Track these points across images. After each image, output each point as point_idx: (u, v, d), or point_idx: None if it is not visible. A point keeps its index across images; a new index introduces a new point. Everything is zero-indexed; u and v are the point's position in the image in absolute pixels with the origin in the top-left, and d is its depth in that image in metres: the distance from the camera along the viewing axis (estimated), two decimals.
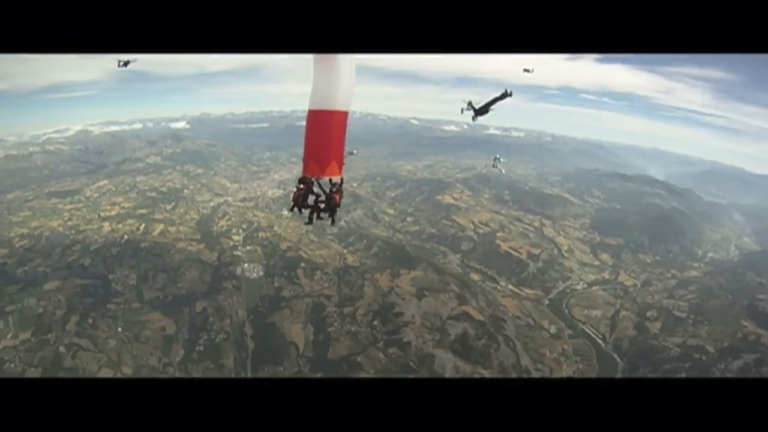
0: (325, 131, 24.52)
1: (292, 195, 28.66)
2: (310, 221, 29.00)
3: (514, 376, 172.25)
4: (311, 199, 28.40)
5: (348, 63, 23.57)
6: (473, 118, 43.75)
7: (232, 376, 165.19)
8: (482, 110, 42.83)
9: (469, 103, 42.45)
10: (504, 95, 42.25)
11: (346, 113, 24.56)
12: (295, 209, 28.69)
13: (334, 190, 27.83)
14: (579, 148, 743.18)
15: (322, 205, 28.20)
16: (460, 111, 45.64)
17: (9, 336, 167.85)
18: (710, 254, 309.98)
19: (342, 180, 27.52)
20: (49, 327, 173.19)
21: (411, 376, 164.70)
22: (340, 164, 25.37)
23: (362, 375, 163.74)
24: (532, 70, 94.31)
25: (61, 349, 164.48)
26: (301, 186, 28.12)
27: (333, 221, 28.87)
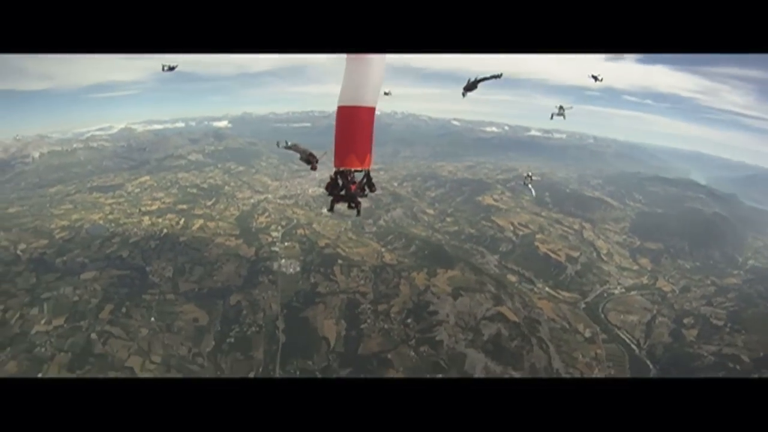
0: (353, 126, 25.54)
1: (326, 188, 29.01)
2: (331, 209, 30.38)
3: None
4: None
5: (379, 61, 24.45)
6: (463, 94, 43.62)
7: (260, 368, 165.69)
8: (471, 86, 42.78)
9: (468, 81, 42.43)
10: (495, 77, 42.19)
11: (373, 109, 25.58)
12: (330, 200, 29.44)
13: (355, 180, 28.19)
14: (621, 151, 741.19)
15: (343, 193, 28.46)
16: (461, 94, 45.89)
17: (42, 321, 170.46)
18: (751, 261, 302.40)
19: (368, 172, 28.27)
20: (82, 314, 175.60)
21: (440, 375, 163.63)
22: (366, 157, 26.40)
23: (391, 372, 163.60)
24: (601, 78, 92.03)
25: (93, 335, 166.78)
26: (332, 178, 28.44)
27: (357, 212, 29.59)
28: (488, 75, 42.53)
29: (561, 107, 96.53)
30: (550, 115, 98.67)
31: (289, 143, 33.12)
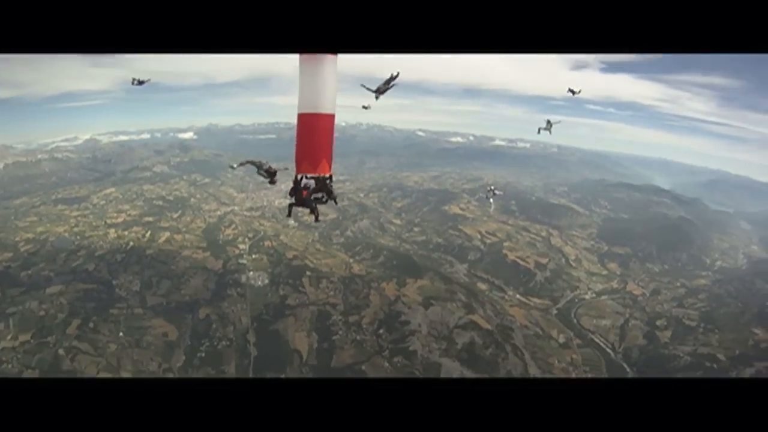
0: (314, 133, 26.50)
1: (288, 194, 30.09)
2: (289, 213, 32.34)
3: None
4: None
5: (331, 66, 25.37)
6: (376, 97, 43.28)
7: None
8: (383, 90, 42.49)
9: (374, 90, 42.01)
10: (392, 77, 41.98)
11: (331, 116, 26.49)
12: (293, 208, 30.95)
13: (307, 187, 29.19)
14: (585, 159, 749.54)
15: (313, 201, 29.86)
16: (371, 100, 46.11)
17: (8, 337, 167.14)
18: (719, 263, 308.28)
19: (325, 179, 29.13)
20: (49, 330, 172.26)
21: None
22: (320, 163, 27.15)
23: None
24: (579, 91, 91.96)
25: (61, 351, 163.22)
26: (294, 184, 29.30)
27: (315, 218, 31.12)
28: (389, 77, 42.39)
29: (549, 122, 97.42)
30: (537, 130, 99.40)
31: (242, 162, 36.53)
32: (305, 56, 25.22)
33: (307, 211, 29.00)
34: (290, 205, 30.56)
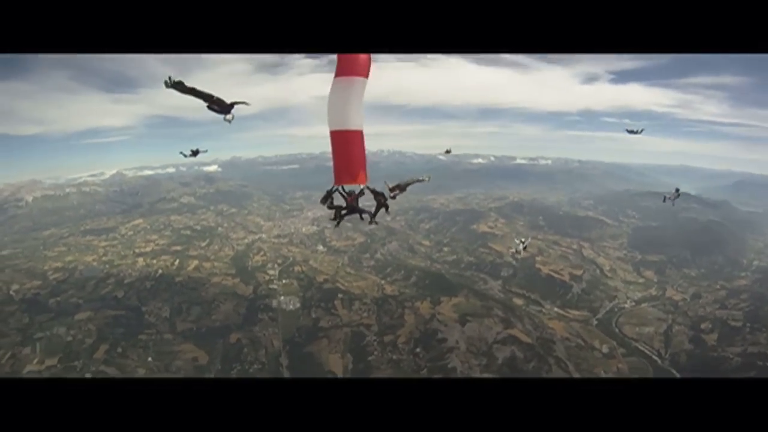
0: (342, 147, 27.86)
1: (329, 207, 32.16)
2: (336, 221, 32.98)
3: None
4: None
5: (360, 87, 26.62)
6: (393, 196, 38.81)
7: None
8: (402, 188, 39.19)
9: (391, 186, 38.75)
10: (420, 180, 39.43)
11: (359, 132, 27.81)
12: (335, 217, 32.73)
13: (357, 194, 31.80)
14: (608, 171, 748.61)
15: (344, 211, 32.15)
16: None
17: (35, 361, 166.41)
18: (756, 262, 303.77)
19: (367, 186, 31.91)
20: (77, 354, 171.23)
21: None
22: (359, 174, 28.65)
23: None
24: (640, 131, 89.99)
25: (87, 375, 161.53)
26: (352, 197, 31.87)
27: (372, 219, 33.88)
28: (417, 179, 40.34)
29: (677, 191, 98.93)
30: (662, 199, 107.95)
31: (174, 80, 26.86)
32: (338, 78, 26.38)
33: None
34: (339, 215, 32.28)
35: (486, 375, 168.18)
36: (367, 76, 26.56)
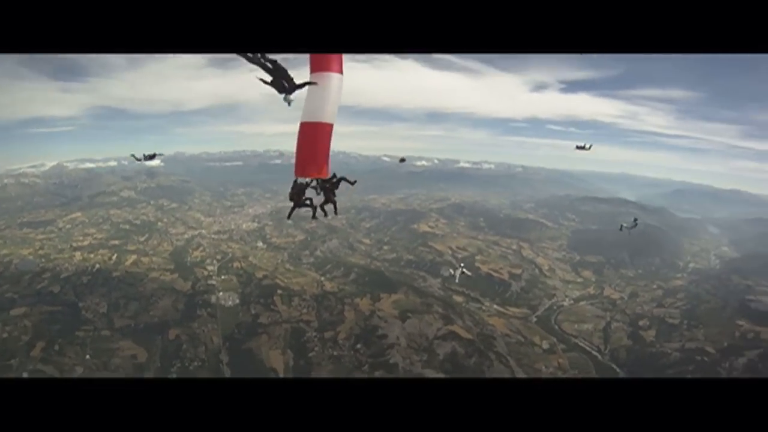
0: (318, 139, 26.92)
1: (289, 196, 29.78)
2: (289, 216, 31.81)
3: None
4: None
5: (337, 83, 26.30)
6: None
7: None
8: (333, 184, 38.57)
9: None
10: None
11: (331, 125, 27.10)
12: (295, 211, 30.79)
13: (327, 186, 29.97)
14: (550, 177, 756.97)
15: (308, 202, 30.29)
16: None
17: None
18: (692, 264, 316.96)
19: (332, 178, 29.99)
20: (12, 353, 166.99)
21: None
22: (324, 167, 27.70)
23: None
24: (589, 147, 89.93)
25: (24, 375, 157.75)
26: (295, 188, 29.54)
27: (335, 211, 31.86)
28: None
29: (635, 221, 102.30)
30: (619, 227, 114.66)
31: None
32: (316, 73, 26.24)
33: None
34: (293, 208, 30.19)
35: (427, 371, 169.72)
36: (342, 71, 26.59)
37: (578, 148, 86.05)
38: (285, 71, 27.69)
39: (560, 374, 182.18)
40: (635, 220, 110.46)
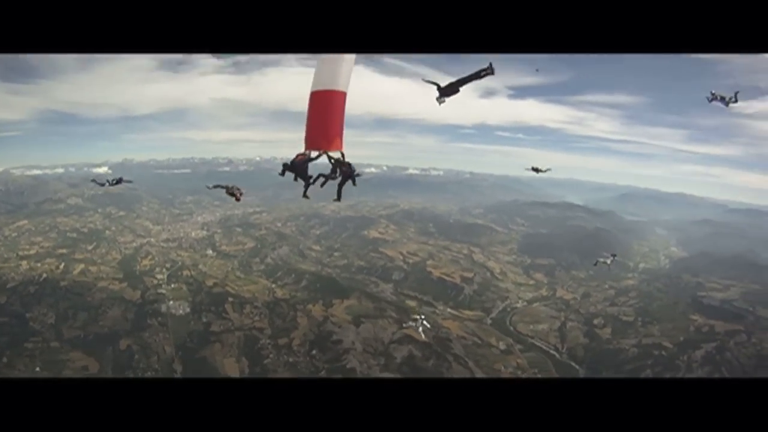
0: (329, 110, 26.41)
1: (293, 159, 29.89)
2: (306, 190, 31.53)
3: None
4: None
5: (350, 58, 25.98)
6: (439, 101, 36.39)
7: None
8: (452, 89, 35.13)
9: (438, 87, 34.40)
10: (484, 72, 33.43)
11: (345, 94, 26.46)
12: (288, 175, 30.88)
13: (342, 161, 29.34)
14: (497, 183, 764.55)
15: (321, 179, 30.71)
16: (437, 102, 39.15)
17: None
18: (642, 265, 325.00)
19: (343, 154, 29.01)
20: None
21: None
22: (336, 140, 27.37)
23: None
24: (546, 170, 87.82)
25: None
26: (303, 156, 29.44)
27: (354, 183, 31.01)
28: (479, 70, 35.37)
29: (614, 256, 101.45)
30: (595, 262, 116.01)
31: (213, 186, 40.63)
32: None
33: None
34: (286, 167, 30.39)
35: (386, 374, 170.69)
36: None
37: (533, 170, 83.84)
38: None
39: (520, 373, 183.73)
40: (614, 255, 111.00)
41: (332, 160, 29.17)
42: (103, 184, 69.12)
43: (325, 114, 26.42)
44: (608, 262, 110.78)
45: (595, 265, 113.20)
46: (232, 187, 39.50)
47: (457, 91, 34.54)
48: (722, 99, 48.88)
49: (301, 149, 28.58)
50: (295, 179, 30.44)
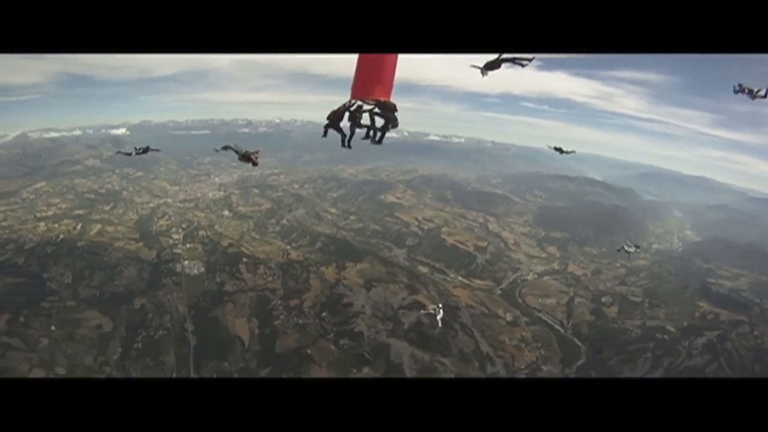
0: (383, 57, 25.10)
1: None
2: (347, 143, 30.20)
3: (476, 364, 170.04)
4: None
5: None
6: (483, 73, 38.39)
7: (174, 374, 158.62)
8: (495, 64, 37.70)
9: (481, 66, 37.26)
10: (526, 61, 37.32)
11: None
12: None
13: (388, 104, 27.19)
14: (519, 153, 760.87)
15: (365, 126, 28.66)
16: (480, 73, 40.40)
17: None
18: (655, 246, 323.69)
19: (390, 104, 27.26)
20: None
21: (366, 369, 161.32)
22: (391, 89, 26.21)
23: (314, 367, 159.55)
24: (570, 152, 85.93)
25: None
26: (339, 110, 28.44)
27: (381, 137, 29.21)
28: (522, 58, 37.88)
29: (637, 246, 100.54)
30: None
31: (221, 147, 38.46)
32: None
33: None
34: (327, 127, 29.56)
35: (392, 339, 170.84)
36: None
37: (556, 149, 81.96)
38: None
39: (524, 346, 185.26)
40: (638, 246, 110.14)
41: (375, 108, 27.56)
42: (129, 154, 70.20)
43: (378, 61, 25.47)
44: (631, 251, 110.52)
45: (619, 251, 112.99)
46: (246, 152, 38.06)
47: (499, 66, 36.27)
48: (750, 92, 47.89)
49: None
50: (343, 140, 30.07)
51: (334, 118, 28.43)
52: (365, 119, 27.97)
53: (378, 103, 26.79)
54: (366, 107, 27.37)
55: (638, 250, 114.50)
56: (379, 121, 28.04)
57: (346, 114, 27.93)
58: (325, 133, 29.88)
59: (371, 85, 25.67)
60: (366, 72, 25.56)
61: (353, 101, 27.02)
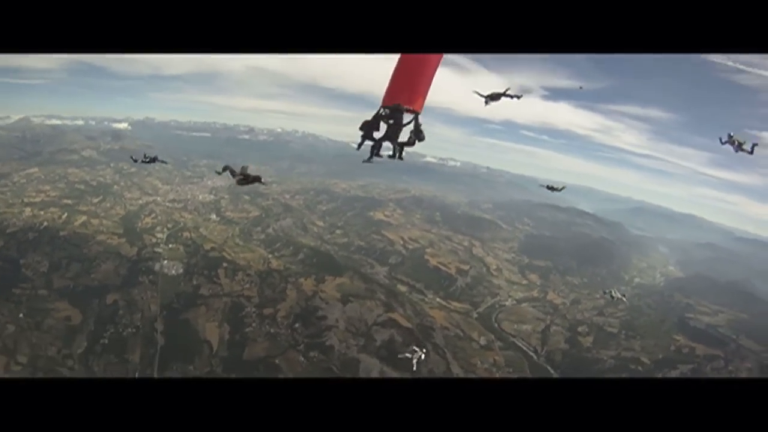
0: (422, 66, 24.78)
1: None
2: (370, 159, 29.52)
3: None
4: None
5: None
6: (486, 102, 39.84)
7: (137, 373, 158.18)
8: (496, 97, 39.38)
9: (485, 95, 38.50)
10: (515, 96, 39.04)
11: (441, 56, 24.95)
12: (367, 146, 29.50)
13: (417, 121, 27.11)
14: (512, 181, 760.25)
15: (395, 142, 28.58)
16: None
17: None
18: (636, 279, 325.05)
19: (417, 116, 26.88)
20: None
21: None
22: (419, 100, 25.57)
23: (280, 377, 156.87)
24: (561, 189, 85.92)
25: None
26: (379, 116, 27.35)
27: (399, 156, 29.37)
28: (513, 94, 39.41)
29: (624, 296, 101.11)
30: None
31: (222, 169, 35.23)
32: None
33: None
34: (370, 144, 29.14)
35: (363, 355, 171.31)
36: None
37: (548, 188, 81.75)
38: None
39: (495, 370, 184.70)
40: (624, 295, 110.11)
41: (411, 120, 26.82)
42: (136, 161, 70.23)
43: (417, 70, 24.99)
44: (616, 296, 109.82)
45: (605, 293, 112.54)
46: (247, 175, 34.34)
47: (499, 98, 37.46)
48: (738, 144, 47.82)
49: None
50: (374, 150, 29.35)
51: (368, 128, 28.02)
52: (402, 136, 27.75)
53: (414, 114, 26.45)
54: (405, 118, 26.79)
55: (625, 298, 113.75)
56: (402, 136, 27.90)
57: (382, 125, 27.54)
58: (360, 146, 29.65)
59: (407, 93, 25.22)
60: (403, 79, 25.19)
61: (385, 110, 26.52)
